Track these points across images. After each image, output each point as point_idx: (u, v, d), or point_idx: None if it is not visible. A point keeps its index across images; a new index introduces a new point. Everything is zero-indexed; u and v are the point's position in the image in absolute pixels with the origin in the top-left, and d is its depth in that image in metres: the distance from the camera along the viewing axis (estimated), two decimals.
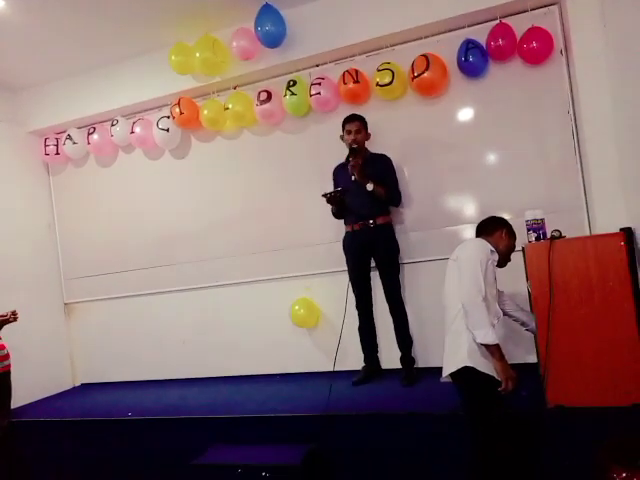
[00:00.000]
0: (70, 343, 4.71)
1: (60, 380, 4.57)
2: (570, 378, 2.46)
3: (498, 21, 3.29)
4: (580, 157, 3.24)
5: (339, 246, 3.51)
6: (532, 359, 3.03)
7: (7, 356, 3.49)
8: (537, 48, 3.21)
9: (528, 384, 2.56)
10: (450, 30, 3.47)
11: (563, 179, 3.29)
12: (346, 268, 3.47)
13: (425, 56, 3.34)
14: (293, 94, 3.68)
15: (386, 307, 3.41)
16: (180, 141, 4.23)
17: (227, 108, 3.86)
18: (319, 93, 3.59)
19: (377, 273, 3.43)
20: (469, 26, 3.40)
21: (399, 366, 3.41)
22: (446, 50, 3.43)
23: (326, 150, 3.77)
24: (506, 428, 2.26)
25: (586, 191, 3.22)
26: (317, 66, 3.82)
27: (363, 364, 3.52)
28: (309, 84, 3.66)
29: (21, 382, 3.68)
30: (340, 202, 3.29)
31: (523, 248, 2.71)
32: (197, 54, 3.70)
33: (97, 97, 4.27)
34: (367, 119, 3.39)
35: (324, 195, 3.24)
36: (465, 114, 3.55)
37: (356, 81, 3.52)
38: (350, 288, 3.39)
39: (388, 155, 3.43)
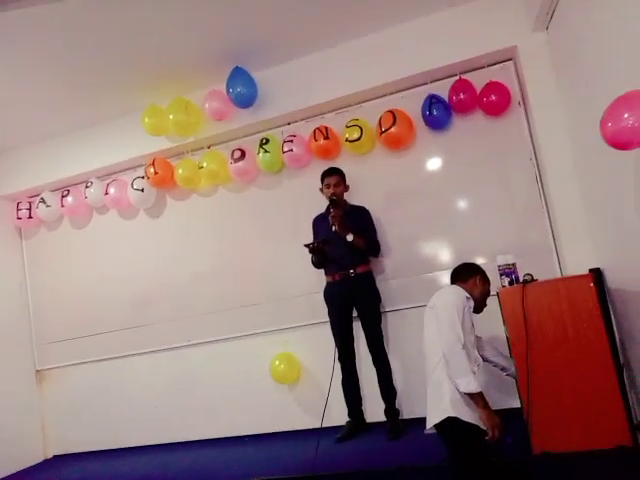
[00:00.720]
0: (42, 412, 4.49)
1: (30, 453, 4.33)
2: (554, 422, 2.46)
3: (458, 77, 3.48)
4: (546, 201, 3.35)
5: (319, 297, 3.51)
6: (516, 404, 3.00)
7: None
8: (496, 101, 3.38)
9: (513, 430, 2.53)
10: (414, 86, 3.63)
11: (531, 223, 3.39)
12: (327, 320, 3.46)
13: (391, 112, 3.47)
14: (266, 152, 3.77)
15: (369, 357, 3.37)
16: (155, 200, 4.23)
17: (201, 167, 3.91)
18: (291, 150, 3.68)
19: (359, 323, 3.41)
20: (431, 82, 3.57)
21: (384, 419, 3.35)
22: (411, 105, 3.57)
23: (301, 205, 3.84)
24: (494, 478, 2.22)
25: (554, 233, 3.31)
26: (289, 124, 3.93)
27: (347, 419, 3.44)
28: (281, 142, 3.76)
29: None
30: (322, 252, 3.32)
31: (498, 293, 2.75)
32: (170, 116, 3.77)
33: (71, 160, 4.29)
34: None
35: (306, 245, 3.26)
36: (433, 164, 3.67)
37: (326, 137, 3.63)
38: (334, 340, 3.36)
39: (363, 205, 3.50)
